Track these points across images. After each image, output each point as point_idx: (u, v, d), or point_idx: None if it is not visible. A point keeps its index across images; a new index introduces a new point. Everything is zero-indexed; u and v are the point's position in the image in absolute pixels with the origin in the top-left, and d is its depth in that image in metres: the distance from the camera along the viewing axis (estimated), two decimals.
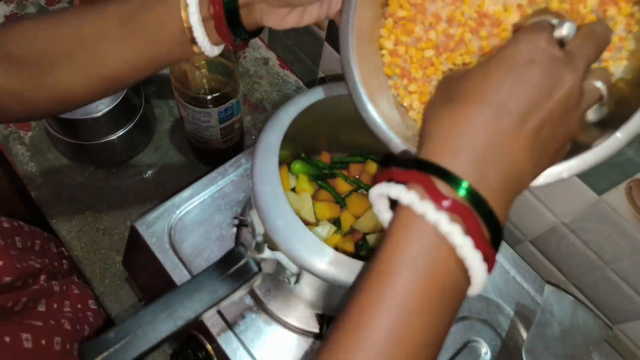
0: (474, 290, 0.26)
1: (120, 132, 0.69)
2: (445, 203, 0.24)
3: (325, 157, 0.55)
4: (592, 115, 0.31)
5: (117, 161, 0.72)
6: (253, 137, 0.77)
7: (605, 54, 0.30)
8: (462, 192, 0.24)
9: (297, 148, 0.53)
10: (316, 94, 0.44)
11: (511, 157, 0.25)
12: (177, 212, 0.54)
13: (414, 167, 0.26)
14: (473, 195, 0.24)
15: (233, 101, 0.60)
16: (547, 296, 0.47)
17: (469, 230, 0.24)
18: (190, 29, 0.35)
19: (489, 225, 0.25)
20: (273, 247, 0.36)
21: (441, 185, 0.25)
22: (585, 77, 0.27)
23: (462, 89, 0.27)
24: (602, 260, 0.52)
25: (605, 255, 0.52)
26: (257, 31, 0.39)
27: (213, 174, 0.56)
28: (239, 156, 0.58)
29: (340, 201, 0.52)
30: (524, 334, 0.53)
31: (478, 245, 0.24)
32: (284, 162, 0.52)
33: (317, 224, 0.51)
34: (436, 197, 0.24)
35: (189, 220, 0.54)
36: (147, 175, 0.72)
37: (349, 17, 0.34)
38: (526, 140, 0.25)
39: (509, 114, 0.25)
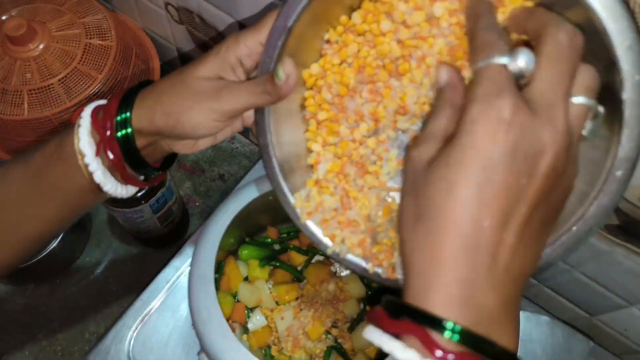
0: None
1: (55, 240, 0.64)
2: (450, 357, 0.22)
3: (272, 232, 0.52)
4: (587, 133, 0.25)
5: (58, 271, 0.67)
6: (197, 203, 0.73)
7: None
8: (462, 341, 0.22)
9: (241, 232, 0.50)
10: (246, 196, 0.41)
11: (505, 269, 0.23)
12: (131, 330, 0.50)
13: (406, 316, 0.23)
14: (477, 344, 0.22)
15: (163, 189, 0.56)
16: (525, 324, 0.46)
17: None
18: (98, 185, 0.33)
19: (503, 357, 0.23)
20: None
21: (439, 337, 0.22)
22: (567, 113, 0.23)
23: (429, 201, 0.23)
24: (568, 264, 0.52)
25: (571, 260, 0.51)
26: (172, 157, 0.37)
27: (160, 277, 0.53)
28: (183, 249, 0.55)
29: (298, 276, 0.50)
30: None
31: None
32: (230, 251, 0.50)
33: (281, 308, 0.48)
34: (437, 353, 0.22)
35: (147, 334, 0.50)
36: (95, 275, 0.68)
37: (266, 131, 0.32)
38: (514, 241, 0.22)
39: (485, 230, 0.22)
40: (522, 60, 0.23)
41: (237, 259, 0.49)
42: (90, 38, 0.60)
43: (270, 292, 0.48)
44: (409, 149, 0.25)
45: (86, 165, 0.32)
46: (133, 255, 0.69)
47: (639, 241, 0.43)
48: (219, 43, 0.32)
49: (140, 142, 0.33)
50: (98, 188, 0.33)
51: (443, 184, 0.23)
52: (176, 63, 0.73)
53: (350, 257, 0.32)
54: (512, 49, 0.23)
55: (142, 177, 0.36)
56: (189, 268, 0.54)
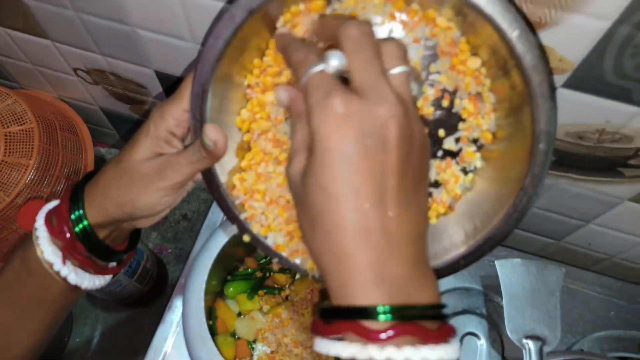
0: None
1: None
2: (384, 335, 0.23)
3: (250, 262, 0.53)
4: (416, 93, 0.31)
5: None
6: (169, 250, 0.73)
7: (470, 118, 0.31)
8: (389, 318, 0.23)
9: (221, 273, 0.51)
10: (218, 241, 0.41)
11: (399, 237, 0.24)
12: None
13: (338, 317, 0.25)
14: (403, 312, 0.24)
15: None
16: (501, 271, 0.50)
17: (424, 339, 0.24)
18: (75, 285, 0.34)
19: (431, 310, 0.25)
20: None
21: (372, 323, 0.24)
22: (390, 86, 0.25)
23: (314, 209, 0.25)
24: None
25: None
26: (137, 233, 0.38)
27: (157, 336, 0.53)
28: (171, 301, 0.55)
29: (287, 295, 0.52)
30: (500, 301, 0.56)
31: (437, 340, 0.24)
32: (216, 293, 0.50)
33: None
34: (374, 337, 0.23)
35: None
36: (91, 353, 0.67)
37: (218, 185, 0.33)
38: (397, 211, 0.24)
39: (368, 212, 0.24)
40: (334, 61, 0.25)
41: (225, 299, 0.50)
42: (8, 126, 0.58)
43: (266, 319, 0.49)
44: (285, 168, 0.27)
45: (57, 273, 0.33)
46: (123, 321, 0.68)
47: (577, 169, 0.47)
48: (145, 121, 0.32)
49: (102, 234, 0.34)
50: (76, 287, 0.34)
51: (318, 190, 0.25)
52: (104, 121, 0.72)
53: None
54: (322, 56, 0.25)
55: (114, 263, 0.37)
56: (179, 320, 0.54)
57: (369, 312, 0.24)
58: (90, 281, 0.34)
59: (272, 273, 0.52)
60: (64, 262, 0.32)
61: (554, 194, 0.52)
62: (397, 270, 0.24)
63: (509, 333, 0.47)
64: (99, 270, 0.35)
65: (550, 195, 0.52)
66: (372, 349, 0.24)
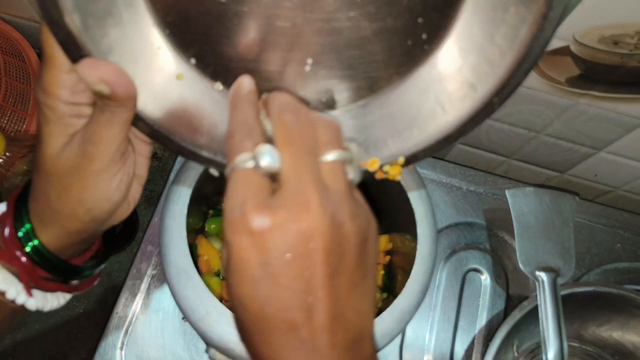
0: None
1: None
2: None
3: None
4: (353, 176, 0.23)
5: None
6: None
7: None
8: None
9: (201, 208, 0.45)
10: (191, 175, 0.35)
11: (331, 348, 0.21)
12: (118, 348, 0.45)
13: None
14: None
15: None
16: (512, 201, 0.46)
17: None
18: (27, 309, 0.27)
19: None
20: None
21: None
22: (318, 187, 0.20)
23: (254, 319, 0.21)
24: (534, 131, 0.52)
25: (536, 127, 0.51)
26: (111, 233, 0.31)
27: (129, 283, 0.47)
28: (144, 246, 0.49)
29: None
30: (504, 235, 0.53)
31: None
32: (196, 230, 0.44)
33: None
34: None
35: (137, 343, 0.46)
36: None
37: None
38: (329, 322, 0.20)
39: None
40: (264, 160, 0.21)
41: (208, 236, 0.44)
42: None
43: None
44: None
45: (12, 300, 0.26)
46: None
47: (603, 85, 0.42)
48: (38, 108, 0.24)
49: (67, 254, 0.27)
50: (37, 310, 0.27)
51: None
52: None
53: None
54: (255, 151, 0.21)
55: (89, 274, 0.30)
56: (153, 266, 0.48)
57: None
58: (54, 302, 0.28)
59: None
60: (29, 294, 0.26)
61: (569, 117, 0.47)
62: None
63: (521, 265, 0.44)
64: (72, 290, 0.28)
65: (564, 119, 0.48)
66: None
